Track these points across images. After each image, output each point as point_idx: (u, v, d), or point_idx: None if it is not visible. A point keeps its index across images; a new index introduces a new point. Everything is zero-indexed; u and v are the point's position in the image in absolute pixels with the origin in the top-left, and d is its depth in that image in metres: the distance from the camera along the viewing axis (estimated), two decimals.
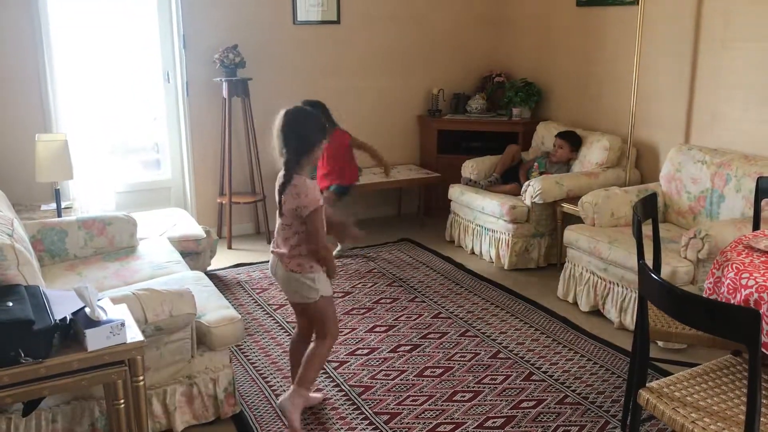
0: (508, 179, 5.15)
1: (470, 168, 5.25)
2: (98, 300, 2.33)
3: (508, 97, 5.78)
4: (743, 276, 2.28)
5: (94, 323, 2.19)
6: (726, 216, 3.97)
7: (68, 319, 2.24)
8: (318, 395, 3.19)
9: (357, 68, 5.73)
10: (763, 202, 3.27)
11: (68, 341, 2.22)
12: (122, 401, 2.31)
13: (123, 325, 2.23)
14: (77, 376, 2.19)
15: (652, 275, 2.09)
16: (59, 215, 4.22)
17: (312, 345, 2.97)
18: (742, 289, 2.25)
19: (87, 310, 2.23)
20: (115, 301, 2.48)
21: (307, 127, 2.83)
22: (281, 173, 2.82)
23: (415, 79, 5.99)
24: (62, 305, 2.29)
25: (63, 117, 4.77)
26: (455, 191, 5.27)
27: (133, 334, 2.28)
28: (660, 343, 3.60)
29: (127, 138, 5.38)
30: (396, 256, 5.10)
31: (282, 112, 2.84)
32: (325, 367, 3.45)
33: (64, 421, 2.63)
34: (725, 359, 2.43)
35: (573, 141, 5.03)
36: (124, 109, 5.30)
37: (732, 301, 2.29)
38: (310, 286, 2.83)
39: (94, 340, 2.18)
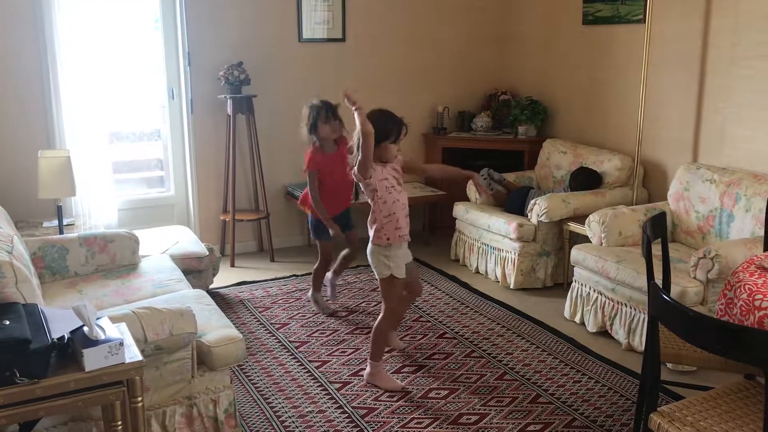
0: (514, 207, 4.98)
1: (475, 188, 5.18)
2: (97, 318, 2.28)
3: (513, 115, 5.76)
4: (756, 297, 2.23)
5: (92, 342, 2.15)
6: (736, 236, 3.92)
7: (66, 338, 2.20)
8: (399, 342, 3.82)
9: (362, 86, 5.70)
10: None
11: (66, 361, 2.17)
12: (120, 423, 2.25)
13: (122, 344, 2.18)
14: (74, 397, 2.13)
15: (664, 296, 2.04)
16: (61, 232, 4.19)
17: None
18: (756, 311, 2.20)
19: (85, 328, 2.19)
20: (115, 319, 2.44)
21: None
22: None
23: (420, 97, 5.97)
24: (60, 324, 2.25)
25: (66, 134, 4.74)
26: (460, 209, 5.23)
27: (132, 354, 2.23)
28: (669, 365, 3.53)
29: (131, 155, 5.37)
30: None
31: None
32: (327, 387, 3.40)
33: None
34: (738, 382, 2.37)
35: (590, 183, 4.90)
36: (127, 126, 5.30)
37: (746, 323, 2.23)
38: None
39: (92, 359, 2.13)
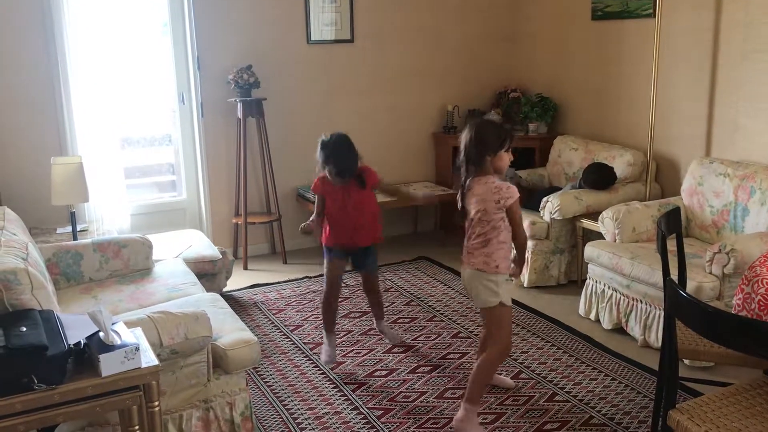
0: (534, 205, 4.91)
1: None
2: (112, 324, 2.29)
3: (524, 113, 5.74)
4: None
5: (108, 348, 2.15)
6: (751, 229, 3.88)
7: (82, 343, 2.21)
8: (509, 380, 3.40)
9: (371, 86, 5.72)
10: None
11: (82, 366, 2.17)
12: (137, 427, 2.26)
13: (137, 349, 2.19)
14: (91, 402, 2.14)
15: (681, 292, 2.02)
16: (75, 238, 4.21)
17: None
18: None
19: (101, 334, 2.19)
20: (130, 324, 2.44)
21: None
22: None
23: (430, 96, 5.96)
24: (76, 329, 2.26)
25: (78, 140, 4.77)
26: None
27: (148, 359, 2.23)
28: (686, 361, 3.51)
29: (142, 160, 5.39)
30: (413, 274, 5.04)
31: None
32: (342, 388, 3.39)
33: None
34: (758, 378, 2.34)
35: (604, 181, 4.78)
36: (139, 131, 5.32)
37: (764, 318, 2.21)
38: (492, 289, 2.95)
39: (109, 365, 2.13)
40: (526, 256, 3.09)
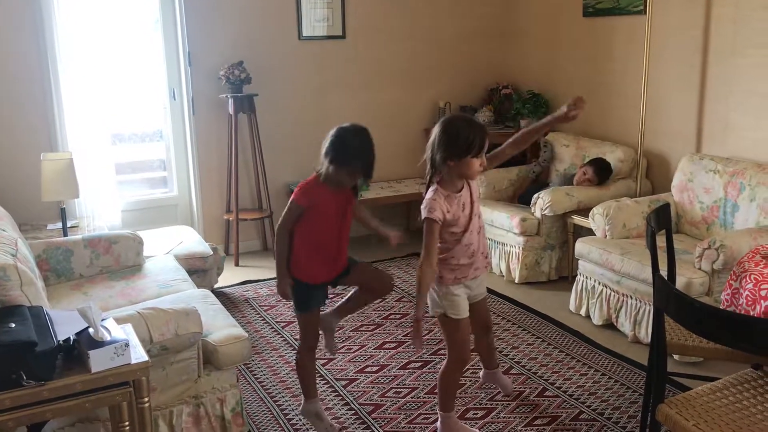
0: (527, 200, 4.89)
1: (479, 183, 5.14)
2: (102, 320, 2.28)
3: (515, 109, 5.74)
4: (762, 287, 2.22)
5: (97, 344, 2.15)
6: (740, 226, 3.90)
7: (72, 339, 2.20)
8: (509, 384, 3.28)
9: (363, 82, 5.71)
10: None
11: (71, 363, 2.17)
12: (127, 423, 2.25)
13: (127, 345, 2.18)
14: (81, 399, 2.14)
15: (670, 287, 2.04)
16: (65, 234, 4.19)
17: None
18: (762, 301, 2.19)
19: (90, 330, 2.19)
20: (120, 320, 2.44)
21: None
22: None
23: (422, 93, 5.96)
24: (66, 326, 2.25)
25: (69, 136, 4.75)
26: None
27: (138, 355, 2.23)
28: (676, 357, 3.52)
29: (133, 156, 5.37)
30: (405, 270, 5.05)
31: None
32: (333, 384, 3.39)
33: None
34: (746, 373, 2.36)
35: (601, 174, 4.77)
36: (129, 127, 5.30)
37: (752, 313, 2.23)
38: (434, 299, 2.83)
39: (98, 361, 2.13)
40: (420, 284, 2.69)
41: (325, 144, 2.76)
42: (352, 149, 2.73)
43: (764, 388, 2.25)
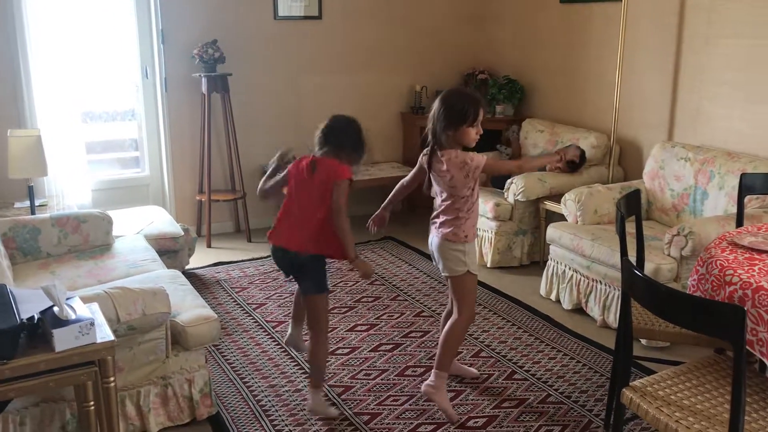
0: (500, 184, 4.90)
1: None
2: (68, 299, 2.25)
3: (491, 95, 5.74)
4: (727, 273, 2.25)
5: (62, 323, 2.12)
6: (709, 213, 3.95)
7: (36, 318, 2.17)
8: (473, 370, 3.35)
9: (339, 64, 5.67)
10: (747, 199, 3.25)
11: (36, 341, 2.14)
12: (92, 403, 2.23)
13: (92, 324, 2.15)
14: (44, 378, 2.11)
15: (636, 272, 2.05)
16: (33, 212, 4.12)
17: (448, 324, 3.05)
18: (727, 286, 2.22)
19: (55, 309, 2.16)
20: (87, 299, 2.41)
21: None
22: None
23: (398, 76, 5.93)
24: (30, 304, 2.21)
25: (38, 113, 4.66)
26: None
27: (104, 334, 2.20)
28: (643, 341, 3.57)
29: (105, 135, 5.29)
30: (379, 254, 5.05)
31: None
32: (304, 366, 3.39)
33: (33, 423, 2.56)
34: (709, 357, 2.40)
35: (573, 166, 4.76)
36: (101, 106, 5.21)
37: (716, 298, 2.25)
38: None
39: (62, 340, 2.10)
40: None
41: (342, 134, 2.95)
42: (359, 139, 2.98)
43: (726, 371, 2.29)
